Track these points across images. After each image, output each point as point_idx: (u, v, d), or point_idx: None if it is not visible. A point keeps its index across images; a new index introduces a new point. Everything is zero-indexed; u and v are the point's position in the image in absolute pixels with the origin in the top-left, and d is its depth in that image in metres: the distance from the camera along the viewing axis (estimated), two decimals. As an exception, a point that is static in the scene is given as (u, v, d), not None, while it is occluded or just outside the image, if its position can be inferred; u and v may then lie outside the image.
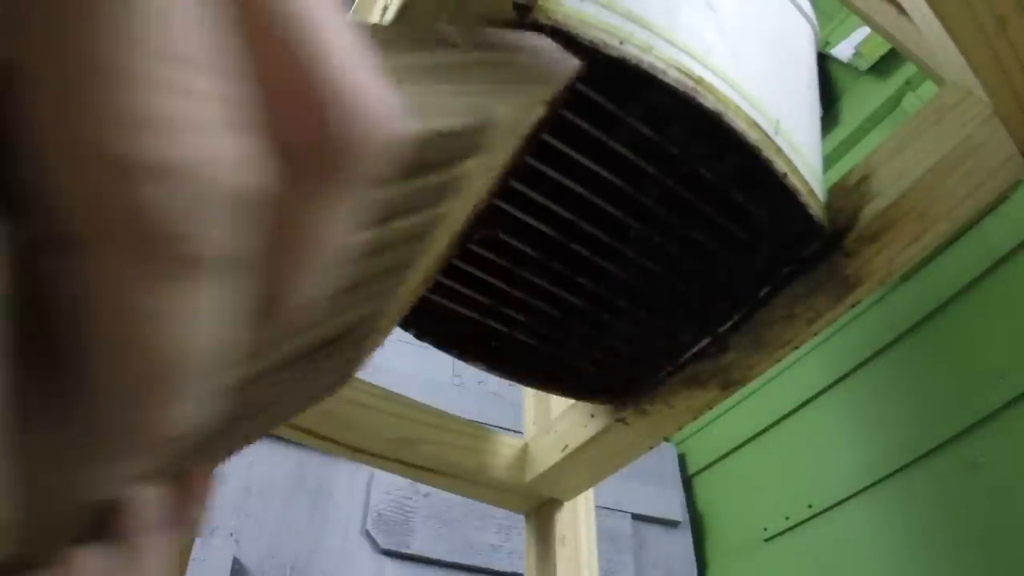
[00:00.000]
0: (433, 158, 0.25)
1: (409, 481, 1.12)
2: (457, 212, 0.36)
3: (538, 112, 0.37)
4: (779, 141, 0.40)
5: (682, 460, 1.73)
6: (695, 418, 0.60)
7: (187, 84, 0.09)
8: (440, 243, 0.36)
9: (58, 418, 0.10)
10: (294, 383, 0.31)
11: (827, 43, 1.51)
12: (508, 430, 0.96)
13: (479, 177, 0.34)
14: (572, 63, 0.37)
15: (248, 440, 0.32)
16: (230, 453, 0.32)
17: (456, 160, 0.28)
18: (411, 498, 1.35)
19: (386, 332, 0.38)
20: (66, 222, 0.09)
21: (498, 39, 0.31)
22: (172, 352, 0.10)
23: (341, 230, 0.12)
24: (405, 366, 1.49)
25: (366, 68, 0.11)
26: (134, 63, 0.08)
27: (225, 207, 0.09)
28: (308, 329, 0.26)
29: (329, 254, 0.12)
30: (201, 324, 0.10)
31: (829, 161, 1.30)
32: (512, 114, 0.30)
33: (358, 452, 0.73)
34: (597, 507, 0.84)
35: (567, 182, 0.44)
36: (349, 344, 0.32)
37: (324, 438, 0.71)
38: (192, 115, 0.09)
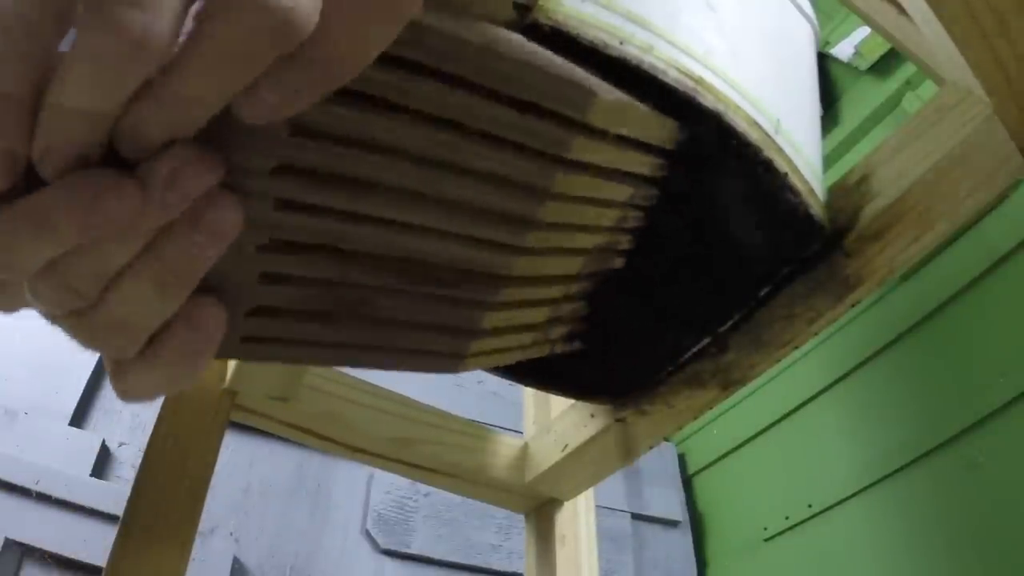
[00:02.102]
0: (530, 89, 0.27)
1: (409, 481, 1.12)
2: (565, 223, 0.36)
3: (642, 165, 0.37)
4: (780, 140, 0.40)
5: (682, 460, 1.73)
6: (695, 418, 0.60)
7: None
8: (550, 259, 0.36)
9: None
10: (415, 309, 0.31)
11: (827, 43, 1.51)
12: (508, 430, 0.96)
13: (587, 190, 0.34)
14: (671, 123, 0.37)
15: (333, 355, 0.32)
16: (324, 356, 0.32)
17: (555, 114, 0.28)
18: (411, 498, 1.35)
19: (499, 348, 0.38)
20: None
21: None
22: None
23: None
24: (405, 366, 1.49)
25: None
26: None
27: None
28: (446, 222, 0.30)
29: None
30: None
31: (829, 161, 1.31)
32: (607, 108, 0.30)
33: (358, 452, 0.73)
34: (597, 507, 0.84)
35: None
36: (464, 301, 0.32)
37: (324, 438, 0.71)
38: None
